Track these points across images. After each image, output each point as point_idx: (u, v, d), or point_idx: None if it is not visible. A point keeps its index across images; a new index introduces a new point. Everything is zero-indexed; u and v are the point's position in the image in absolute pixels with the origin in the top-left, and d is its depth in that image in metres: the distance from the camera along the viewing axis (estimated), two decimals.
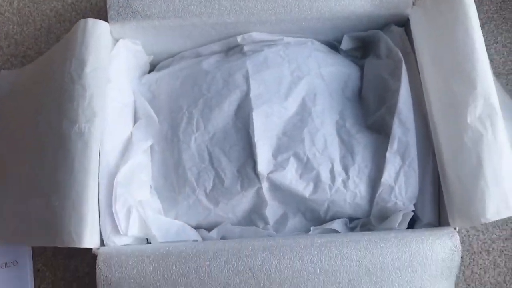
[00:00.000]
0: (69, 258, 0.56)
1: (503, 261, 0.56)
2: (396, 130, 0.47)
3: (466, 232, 0.58)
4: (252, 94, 0.48)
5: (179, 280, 0.40)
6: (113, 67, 0.48)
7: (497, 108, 0.43)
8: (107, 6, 0.49)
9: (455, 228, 0.43)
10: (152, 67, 0.57)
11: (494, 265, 0.56)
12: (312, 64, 0.51)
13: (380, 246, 0.42)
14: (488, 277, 0.56)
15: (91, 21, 0.47)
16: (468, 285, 0.56)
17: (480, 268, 0.56)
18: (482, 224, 0.58)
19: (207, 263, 0.40)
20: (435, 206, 0.47)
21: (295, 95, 0.49)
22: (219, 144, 0.48)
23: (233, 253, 0.41)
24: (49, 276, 0.55)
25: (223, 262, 0.40)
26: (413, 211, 0.47)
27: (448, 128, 0.45)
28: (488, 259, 0.57)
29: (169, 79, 0.53)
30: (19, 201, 0.47)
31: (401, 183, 0.46)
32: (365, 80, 0.53)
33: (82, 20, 0.48)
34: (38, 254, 0.56)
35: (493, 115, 0.42)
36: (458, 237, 0.42)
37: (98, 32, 0.48)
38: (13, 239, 0.48)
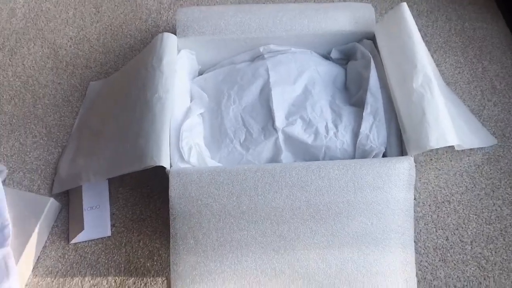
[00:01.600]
0: (136, 206, 0.75)
1: (461, 209, 0.74)
2: (369, 99, 0.69)
3: (431, 188, 0.76)
4: (271, 80, 0.72)
5: (224, 181, 0.60)
6: (178, 66, 0.73)
7: (432, 77, 0.65)
8: (176, 26, 0.75)
9: (411, 156, 0.63)
10: (200, 75, 0.82)
11: (454, 211, 0.74)
12: (311, 64, 0.75)
13: (360, 164, 0.62)
14: (451, 220, 0.73)
15: (166, 34, 0.73)
16: (435, 225, 0.73)
17: (444, 214, 0.74)
18: (443, 183, 0.77)
19: (243, 171, 0.60)
20: (399, 148, 0.67)
21: (300, 82, 0.73)
22: (249, 112, 0.71)
23: (260, 167, 0.61)
24: (120, 218, 0.74)
25: (254, 171, 0.60)
26: (383, 152, 0.67)
27: (402, 93, 0.67)
28: (449, 207, 0.74)
29: (214, 76, 0.77)
30: (116, 144, 0.68)
31: (374, 133, 0.67)
32: (348, 76, 0.77)
33: (160, 34, 0.73)
34: (113, 202, 0.75)
35: (430, 82, 0.65)
36: (413, 159, 0.62)
37: (170, 41, 0.73)
38: (111, 173, 0.67)
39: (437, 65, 0.89)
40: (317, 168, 0.61)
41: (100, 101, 0.80)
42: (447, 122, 0.63)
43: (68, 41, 0.93)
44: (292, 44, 0.78)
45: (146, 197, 0.75)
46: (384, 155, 0.68)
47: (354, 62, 0.77)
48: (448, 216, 0.74)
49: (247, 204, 0.59)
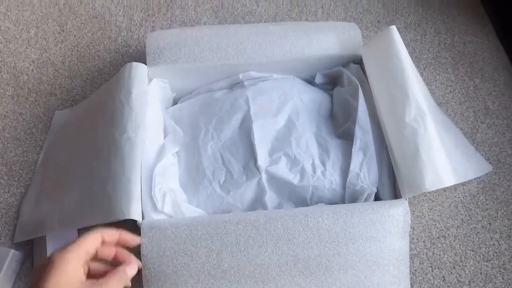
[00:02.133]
0: None
1: (458, 244, 0.70)
2: (358, 133, 0.64)
3: (426, 222, 0.72)
4: (251, 112, 0.66)
5: (203, 237, 0.54)
6: (149, 97, 0.66)
7: (425, 110, 0.60)
8: (146, 53, 0.68)
9: (406, 199, 0.59)
10: (174, 103, 0.75)
11: (450, 247, 0.70)
12: (294, 92, 0.70)
13: (351, 211, 0.56)
14: (447, 257, 0.69)
15: (134, 63, 0.66)
16: (431, 264, 0.69)
17: (440, 250, 0.70)
18: (438, 216, 0.72)
19: (223, 224, 0.55)
20: (392, 187, 0.62)
21: (283, 113, 0.67)
22: (228, 149, 0.65)
23: (242, 218, 0.55)
24: None
25: (235, 223, 0.55)
26: (375, 192, 0.62)
27: (393, 127, 0.62)
28: (445, 243, 0.70)
29: (189, 106, 0.71)
30: (83, 188, 0.61)
31: (364, 171, 0.62)
32: (334, 103, 0.71)
33: (128, 63, 0.66)
34: None
35: (423, 115, 0.60)
36: (407, 204, 0.57)
37: (139, 71, 0.66)
38: (77, 224, 0.61)
39: (427, 84, 0.84)
40: (305, 217, 0.56)
41: (66, 134, 0.73)
42: (442, 161, 0.59)
43: (30, 64, 0.85)
44: (274, 70, 0.72)
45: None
46: (376, 195, 0.63)
47: (341, 89, 0.71)
48: (444, 253, 0.69)
49: (229, 261, 0.54)
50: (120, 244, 0.51)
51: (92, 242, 0.47)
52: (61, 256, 0.43)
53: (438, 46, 0.89)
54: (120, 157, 0.59)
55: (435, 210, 0.73)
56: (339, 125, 0.69)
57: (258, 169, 0.62)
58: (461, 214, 0.72)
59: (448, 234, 0.71)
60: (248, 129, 0.65)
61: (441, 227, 0.71)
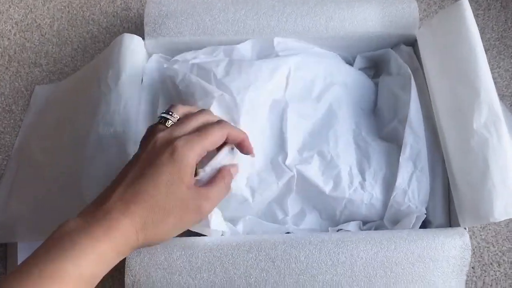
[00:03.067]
0: None
1: None
2: (408, 137, 0.50)
3: (477, 244, 0.59)
4: (287, 92, 0.52)
5: (203, 267, 0.42)
6: (146, 78, 0.53)
7: (500, 114, 0.46)
8: (144, 23, 0.54)
9: (465, 228, 0.46)
10: None
11: (505, 276, 0.57)
12: (342, 72, 0.55)
13: (394, 242, 0.44)
14: None
15: (127, 36, 0.53)
16: None
17: (492, 279, 0.57)
18: (492, 237, 0.60)
19: (230, 251, 0.43)
20: (446, 209, 0.49)
21: (324, 99, 0.53)
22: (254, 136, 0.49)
23: (255, 244, 0.43)
24: None
25: (245, 251, 0.43)
26: (425, 214, 0.49)
27: (455, 134, 0.48)
28: (499, 271, 0.58)
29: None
30: (58, 191, 0.50)
31: (414, 187, 0.49)
32: (379, 95, 0.57)
33: (120, 36, 0.53)
34: None
35: (497, 121, 0.46)
36: (468, 236, 0.45)
37: (133, 46, 0.53)
38: (44, 235, 0.50)
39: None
40: (335, 248, 0.43)
41: (45, 118, 0.61)
42: None
43: (13, 27, 0.72)
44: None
45: None
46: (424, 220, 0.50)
47: (388, 78, 0.57)
48: (497, 284, 0.57)
49: None
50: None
51: (219, 139, 0.39)
52: (186, 147, 0.35)
53: (504, 24, 0.72)
54: (105, 159, 0.47)
55: (489, 229, 0.60)
56: (383, 123, 0.55)
57: (288, 166, 0.49)
58: None
59: (504, 260, 0.58)
60: (280, 113, 0.51)
61: (495, 250, 0.59)
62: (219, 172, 0.40)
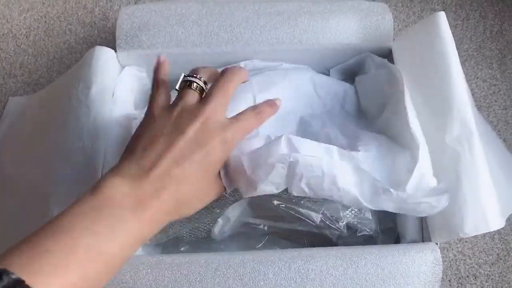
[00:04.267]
0: None
1: (490, 286, 0.57)
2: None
3: (453, 257, 0.59)
4: None
5: (170, 286, 0.41)
6: (119, 91, 0.53)
7: (473, 129, 0.46)
8: (116, 36, 0.53)
9: (436, 244, 0.45)
10: None
11: None
12: (309, 85, 0.55)
13: (364, 257, 0.43)
14: None
15: (98, 48, 0.52)
16: None
17: None
18: (469, 249, 0.59)
19: (197, 269, 0.42)
20: (418, 224, 0.49)
21: (294, 114, 0.53)
22: None
23: (223, 261, 0.43)
24: None
25: (214, 269, 0.42)
26: (397, 231, 0.49)
27: (428, 148, 0.47)
28: (475, 284, 0.57)
29: None
30: (22, 215, 0.49)
31: None
32: (360, 94, 0.56)
33: (92, 48, 0.52)
34: None
35: (470, 135, 0.45)
36: (439, 251, 0.44)
37: (104, 58, 0.52)
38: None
39: (467, 81, 0.68)
40: (304, 264, 0.43)
41: (17, 130, 0.60)
42: (490, 196, 0.44)
43: None
44: (278, 61, 0.57)
45: None
46: (390, 232, 0.49)
47: (365, 76, 0.56)
48: None
49: None
50: None
51: (256, 127, 0.41)
52: (236, 137, 0.38)
53: (482, 34, 0.73)
54: (73, 174, 0.46)
55: (466, 241, 0.60)
56: (373, 118, 0.54)
57: None
58: (497, 247, 0.59)
59: (480, 273, 0.58)
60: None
61: (472, 263, 0.59)
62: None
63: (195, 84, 0.39)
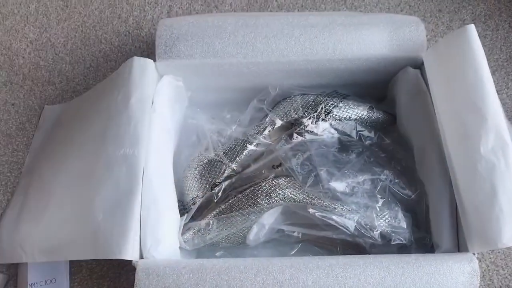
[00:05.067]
0: (103, 278, 0.59)
1: None
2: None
3: (486, 267, 0.59)
4: None
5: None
6: (157, 99, 0.54)
7: (508, 140, 0.46)
8: (156, 45, 0.55)
9: (474, 254, 0.46)
10: (190, 104, 0.63)
11: None
12: None
13: (402, 267, 0.44)
14: None
15: (137, 59, 0.54)
16: None
17: None
18: (502, 260, 0.59)
19: (238, 275, 0.43)
20: (453, 233, 0.49)
21: None
22: None
23: (262, 267, 0.44)
24: None
25: (253, 275, 0.43)
26: (430, 238, 0.50)
27: (462, 159, 0.48)
28: None
29: None
30: (68, 212, 0.51)
31: None
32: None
33: (130, 59, 0.54)
34: (75, 273, 0.59)
35: (505, 146, 0.46)
36: (477, 262, 0.44)
37: (143, 68, 0.54)
38: (60, 255, 0.51)
39: (497, 92, 0.68)
40: (342, 272, 0.43)
41: (54, 138, 0.62)
42: None
43: (28, 45, 0.74)
44: (311, 71, 0.58)
45: (116, 267, 0.59)
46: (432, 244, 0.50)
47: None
48: None
49: None
50: None
51: None
52: None
53: None
54: (115, 180, 0.48)
55: (498, 252, 0.59)
56: None
57: None
58: None
59: None
60: None
61: (505, 274, 0.58)
62: None
63: None
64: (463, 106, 0.49)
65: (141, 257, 0.46)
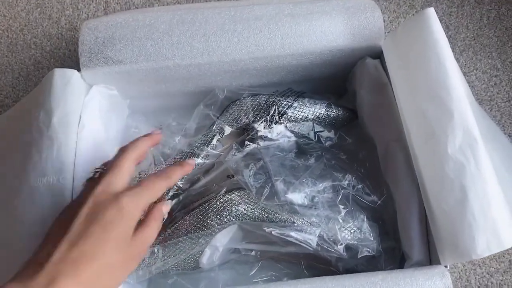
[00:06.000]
0: None
1: None
2: None
3: (462, 267, 0.55)
4: None
5: None
6: (86, 114, 0.47)
7: (477, 136, 0.41)
8: (79, 54, 0.48)
9: (446, 266, 0.41)
10: (131, 110, 0.57)
11: None
12: None
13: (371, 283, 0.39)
14: None
15: (58, 71, 0.47)
16: None
17: None
18: (479, 258, 0.55)
19: None
20: (423, 243, 0.44)
21: None
22: None
23: None
24: None
25: None
26: (400, 248, 0.45)
27: (429, 159, 0.43)
28: None
29: None
30: None
31: None
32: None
33: (50, 71, 0.47)
34: None
35: (474, 144, 0.41)
36: (449, 277, 0.40)
37: (66, 80, 0.47)
38: None
39: (465, 74, 0.64)
40: None
41: None
42: (501, 210, 0.40)
43: None
44: (259, 70, 0.52)
45: None
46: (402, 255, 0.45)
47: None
48: None
49: None
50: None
51: (162, 191, 0.38)
52: (132, 203, 0.34)
53: (479, 21, 0.68)
54: (39, 214, 0.41)
55: None
56: None
57: None
58: (509, 254, 0.55)
59: (492, 283, 0.54)
60: None
61: (483, 273, 0.55)
62: (150, 213, 0.38)
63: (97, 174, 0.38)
64: (426, 100, 0.43)
65: None
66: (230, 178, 0.51)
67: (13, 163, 0.46)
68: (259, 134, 0.51)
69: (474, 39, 0.66)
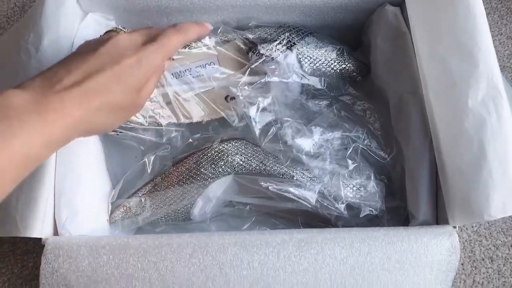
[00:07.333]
0: (28, 254, 0.51)
1: (508, 270, 0.51)
2: None
3: (467, 237, 0.52)
4: None
5: (135, 275, 0.35)
6: (80, 40, 0.44)
7: (501, 89, 0.38)
8: None
9: (454, 227, 0.38)
10: None
11: (498, 274, 0.51)
12: None
13: (368, 244, 0.36)
14: (492, 287, 0.50)
15: None
16: None
17: (483, 278, 0.51)
18: (485, 229, 0.53)
19: (169, 256, 0.35)
20: (432, 202, 0.41)
21: None
22: None
23: (199, 246, 0.36)
24: (5, 273, 0.50)
25: (187, 255, 0.35)
26: (406, 208, 0.42)
27: (446, 113, 0.40)
28: (491, 268, 0.51)
29: None
30: None
31: None
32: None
33: None
34: None
35: (497, 97, 0.37)
36: (457, 237, 0.37)
37: (59, 3, 0.43)
38: None
39: None
40: (296, 251, 0.36)
41: None
42: None
43: None
44: (275, 10, 0.48)
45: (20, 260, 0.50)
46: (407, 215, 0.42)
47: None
48: (489, 282, 0.50)
49: None
50: None
51: (179, 46, 0.39)
52: (153, 56, 0.36)
53: None
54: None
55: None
56: None
57: None
58: None
59: (497, 256, 0.51)
60: None
61: (488, 245, 0.52)
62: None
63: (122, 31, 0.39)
64: (449, 48, 0.40)
65: (56, 233, 0.38)
66: (229, 101, 0.47)
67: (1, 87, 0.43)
68: (268, 53, 0.46)
69: (501, 2, 0.62)
